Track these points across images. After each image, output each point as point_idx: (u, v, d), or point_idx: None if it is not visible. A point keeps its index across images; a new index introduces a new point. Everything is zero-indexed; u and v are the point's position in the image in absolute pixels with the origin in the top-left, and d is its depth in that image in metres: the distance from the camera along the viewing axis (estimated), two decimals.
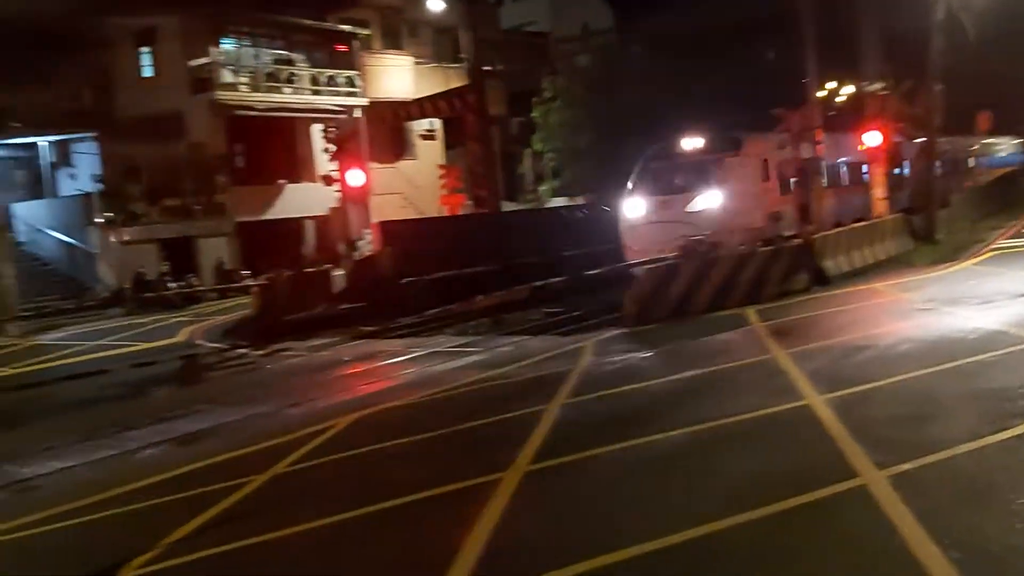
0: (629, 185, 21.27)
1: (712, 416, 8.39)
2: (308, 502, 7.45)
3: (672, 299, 15.25)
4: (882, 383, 8.98)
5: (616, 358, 12.35)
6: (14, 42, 25.79)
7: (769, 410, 8.40)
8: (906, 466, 6.34)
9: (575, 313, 17.47)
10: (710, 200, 19.80)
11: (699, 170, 20.48)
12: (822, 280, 17.15)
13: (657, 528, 5.72)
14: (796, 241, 17.61)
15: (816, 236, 17.87)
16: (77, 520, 7.56)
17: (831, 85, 36.07)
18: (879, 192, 22.98)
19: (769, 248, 16.93)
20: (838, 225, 20.43)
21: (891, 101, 23.14)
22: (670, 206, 20.12)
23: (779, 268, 16.50)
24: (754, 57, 35.84)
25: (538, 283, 19.90)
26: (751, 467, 6.88)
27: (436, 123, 37.94)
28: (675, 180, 20.94)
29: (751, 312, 14.79)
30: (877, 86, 23.02)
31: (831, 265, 17.74)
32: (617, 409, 9.46)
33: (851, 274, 18.07)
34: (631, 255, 19.78)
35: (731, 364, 10.91)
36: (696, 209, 19.72)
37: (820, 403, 8.39)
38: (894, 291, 15.65)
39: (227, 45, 32.31)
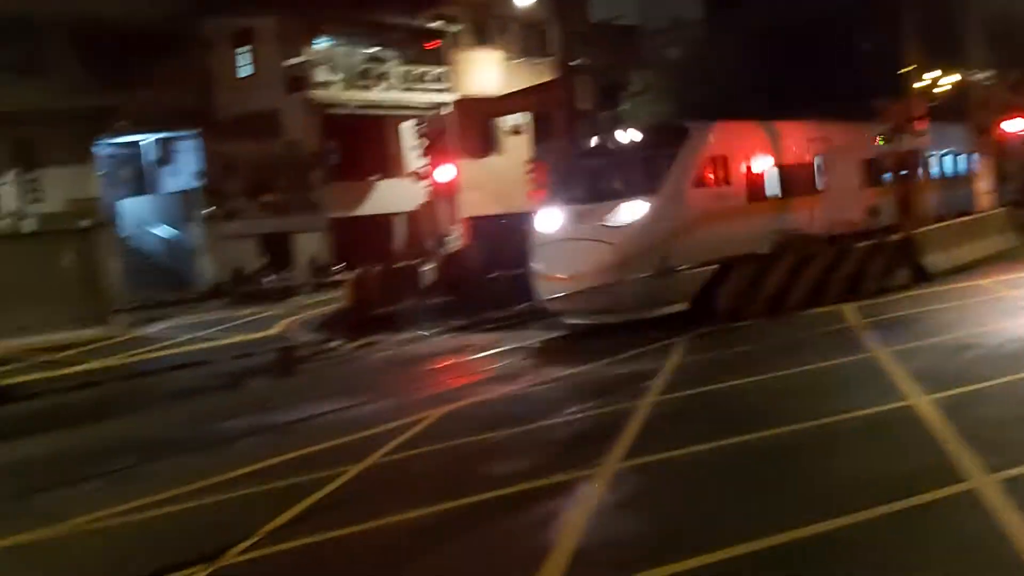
0: (548, 190, 17.67)
1: (811, 416, 8.19)
2: (401, 494, 7.54)
3: (766, 294, 14.95)
4: (989, 383, 8.65)
5: (708, 354, 12.16)
6: (120, 44, 26.87)
7: (872, 410, 8.16)
8: (1017, 470, 6.08)
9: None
10: (634, 211, 15.01)
11: (634, 170, 16.11)
12: (924, 276, 16.59)
13: (755, 529, 5.60)
14: (896, 236, 17.05)
15: (918, 231, 17.27)
16: (180, 507, 7.81)
17: (932, 75, 34.78)
18: (985, 185, 22.09)
19: (868, 243, 16.44)
20: (940, 220, 19.70)
21: (997, 91, 22.21)
22: (587, 218, 15.49)
23: (879, 264, 16.02)
24: (851, 47, 34.79)
25: None
26: (854, 468, 6.70)
27: (525, 118, 37.97)
28: (600, 183, 16.42)
29: (849, 309, 14.39)
30: (982, 76, 22.12)
31: (933, 261, 17.14)
32: (710, 407, 9.33)
33: (954, 270, 17.42)
34: (541, 286, 15.44)
35: (829, 362, 10.63)
36: (618, 223, 14.94)
37: (925, 403, 8.11)
38: (1000, 288, 15.02)
39: (321, 44, 32.96)
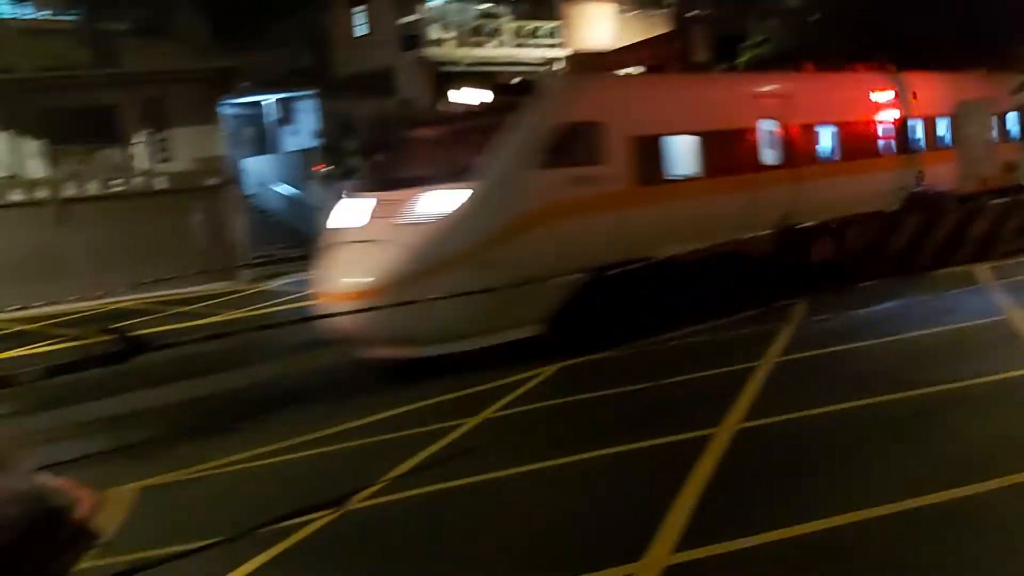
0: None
1: (942, 379, 7.92)
2: (519, 446, 7.67)
3: (892, 254, 14.40)
4: None
5: (831, 315, 11.84)
6: (244, 6, 27.61)
7: (1006, 375, 7.82)
8: None
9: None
10: (444, 201, 11.11)
11: (458, 146, 12.39)
12: None
13: (881, 494, 5.49)
14: None
15: None
16: (308, 452, 8.16)
17: None
18: None
19: (1003, 201, 15.62)
20: None
21: None
22: (382, 212, 11.53)
23: (1014, 223, 15.20)
24: None
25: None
26: (986, 435, 6.47)
27: (639, 72, 37.34)
28: (415, 164, 12.92)
29: (981, 269, 13.74)
30: None
31: None
32: (833, 369, 9.10)
33: None
34: (320, 305, 11.08)
35: (960, 325, 10.20)
36: (418, 218, 11.06)
37: None
38: None
39: (434, 2, 33.10)
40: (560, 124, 11.79)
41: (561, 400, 9.19)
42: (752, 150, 14.13)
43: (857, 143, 16.12)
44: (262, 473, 7.82)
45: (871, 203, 15.00)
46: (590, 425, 8.15)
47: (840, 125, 15.88)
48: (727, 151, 13.72)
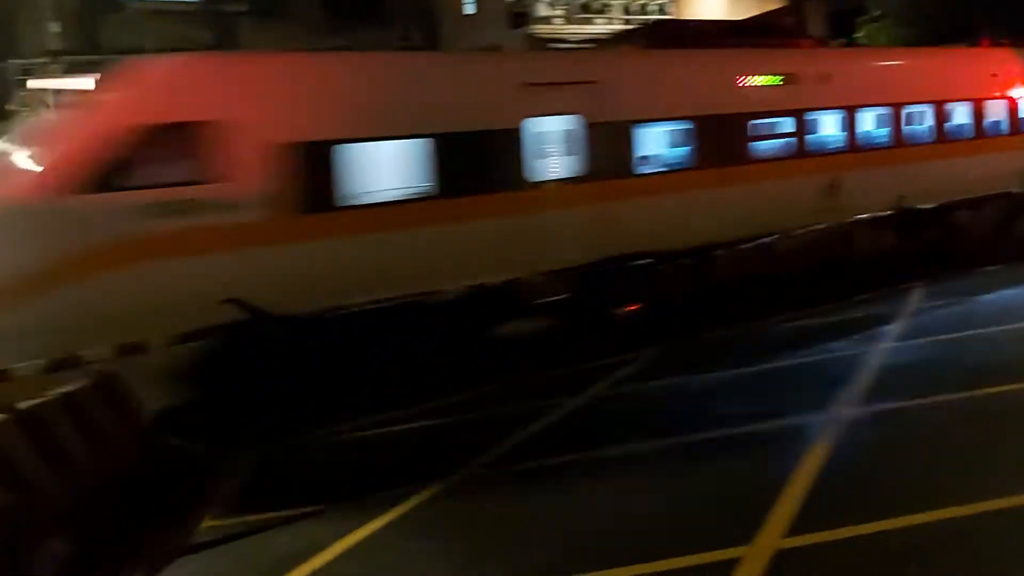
0: None
1: None
2: (621, 428, 7.68)
3: (1018, 238, 13.73)
4: None
5: (951, 300, 11.38)
6: None
7: None
8: None
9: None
10: None
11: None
12: None
13: (1002, 487, 5.27)
14: None
15: None
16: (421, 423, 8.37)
17: None
18: None
19: None
20: None
21: None
22: None
23: None
24: None
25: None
26: None
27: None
28: None
29: None
30: None
31: None
32: (951, 356, 8.76)
33: None
34: None
35: None
36: None
37: None
38: None
39: None
40: (132, 126, 8.34)
41: None
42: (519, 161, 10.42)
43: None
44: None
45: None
46: None
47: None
48: (480, 161, 10.21)
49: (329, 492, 6.73)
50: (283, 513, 6.38)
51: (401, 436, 8.16)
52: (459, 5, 33.41)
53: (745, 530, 5.11)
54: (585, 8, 33.09)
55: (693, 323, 10.65)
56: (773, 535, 5.06)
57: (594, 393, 8.74)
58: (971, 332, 9.54)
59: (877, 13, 34.82)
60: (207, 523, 6.44)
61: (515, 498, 6.27)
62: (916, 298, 11.77)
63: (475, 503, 6.26)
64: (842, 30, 34.98)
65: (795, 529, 5.11)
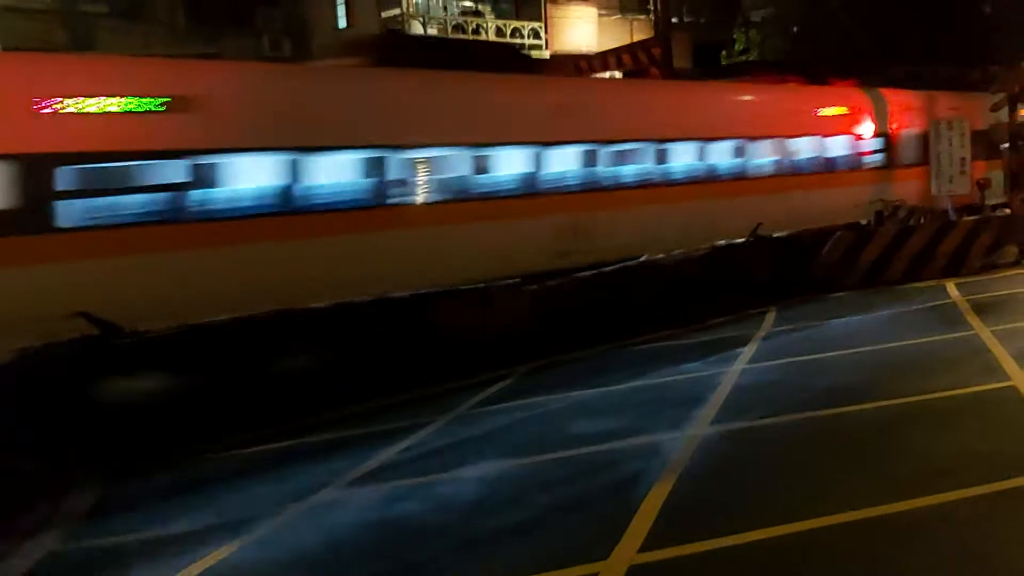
0: None
1: (906, 392, 7.99)
2: (481, 448, 7.65)
3: (864, 266, 14.52)
4: None
5: (802, 324, 11.90)
6: None
7: (972, 389, 7.91)
8: None
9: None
10: None
11: None
12: None
13: (853, 501, 5.54)
14: (1006, 211, 16.34)
15: None
16: None
17: None
18: None
19: (975, 217, 15.80)
20: None
21: None
22: None
23: (985, 239, 15.37)
24: (971, 9, 33.19)
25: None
26: (952, 447, 6.53)
27: (619, 77, 37.48)
28: None
29: (951, 285, 13.88)
30: None
31: None
32: (800, 378, 9.13)
33: None
34: None
35: (928, 339, 10.30)
36: None
37: None
38: None
39: None
40: None
41: None
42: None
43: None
44: None
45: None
46: None
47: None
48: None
49: (185, 512, 6.41)
50: (138, 535, 6.05)
51: (259, 456, 7.86)
52: (333, 18, 33.02)
53: (601, 545, 5.15)
54: (459, 29, 33.28)
55: (555, 344, 10.73)
56: (629, 550, 5.12)
57: (455, 414, 8.67)
58: (820, 355, 9.97)
59: (739, 48, 36.45)
60: (51, 548, 6.02)
61: (375, 518, 6.13)
62: (769, 322, 12.25)
63: (333, 521, 6.09)
64: (708, 63, 36.43)
65: (650, 544, 5.19)
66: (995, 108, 18.68)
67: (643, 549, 5.13)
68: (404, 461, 7.30)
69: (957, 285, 13.83)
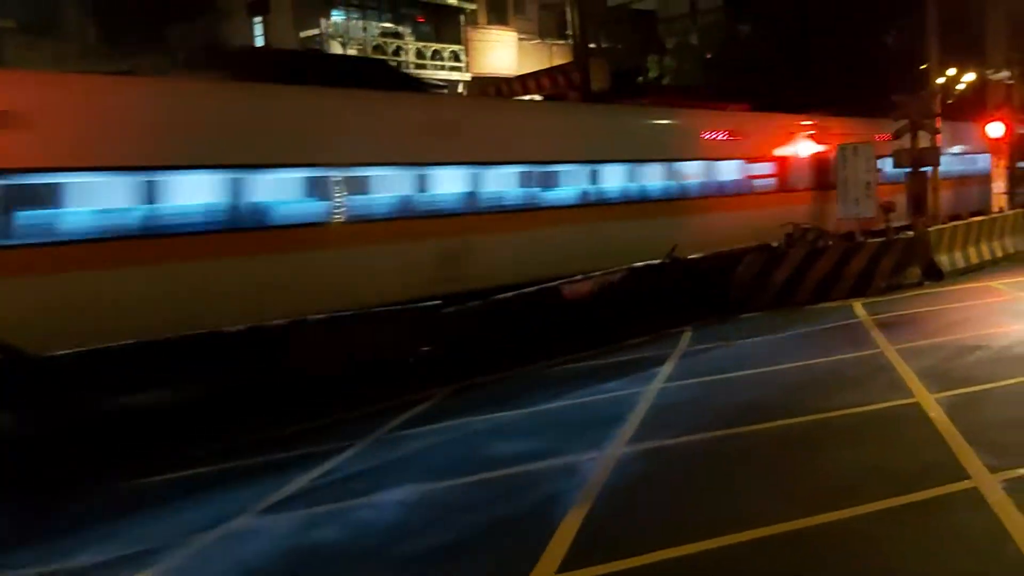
0: None
1: (815, 409, 8.22)
2: (400, 472, 7.60)
3: (775, 287, 14.93)
4: (996, 385, 8.66)
5: (716, 344, 12.16)
6: (137, 9, 26.77)
7: (878, 406, 8.18)
8: (1021, 471, 6.14)
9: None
10: None
11: None
12: (935, 275, 16.54)
13: (759, 518, 5.66)
14: (909, 234, 17.01)
15: (931, 229, 17.21)
16: None
17: (951, 72, 34.63)
18: (999, 186, 22.01)
19: (880, 240, 16.40)
20: (955, 219, 19.61)
21: (1017, 90, 22.08)
22: None
23: (890, 260, 15.98)
24: (871, 40, 34.59)
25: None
26: (858, 462, 6.73)
27: (538, 100, 37.88)
28: None
29: (858, 305, 14.37)
30: (1003, 74, 21.99)
31: (946, 260, 17.08)
32: (717, 397, 9.33)
33: (966, 270, 17.37)
34: None
35: (836, 357, 10.64)
36: None
37: (931, 402, 8.12)
38: (1011, 290, 14.97)
39: (337, 17, 32.86)
40: None
41: None
42: None
43: None
44: None
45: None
46: None
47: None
48: None
49: (91, 544, 6.20)
50: (39, 569, 5.83)
51: (171, 484, 7.66)
52: (250, 38, 32.62)
53: (521, 566, 5.17)
54: (379, 50, 33.23)
55: (476, 366, 10.74)
56: (548, 570, 5.15)
57: (374, 437, 8.60)
58: (733, 374, 10.21)
59: (654, 75, 37.23)
60: None
61: (290, 545, 6.03)
62: (685, 341, 12.49)
63: (247, 550, 5.96)
64: (624, 88, 37.09)
65: (568, 564, 5.22)
66: (897, 135, 19.44)
67: (561, 570, 5.16)
68: (322, 486, 7.19)
69: (864, 305, 14.32)
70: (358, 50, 32.56)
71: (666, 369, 10.63)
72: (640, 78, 37.34)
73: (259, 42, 32.63)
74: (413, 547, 5.76)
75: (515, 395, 9.89)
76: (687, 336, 12.79)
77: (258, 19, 32.63)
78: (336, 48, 32.00)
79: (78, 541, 6.32)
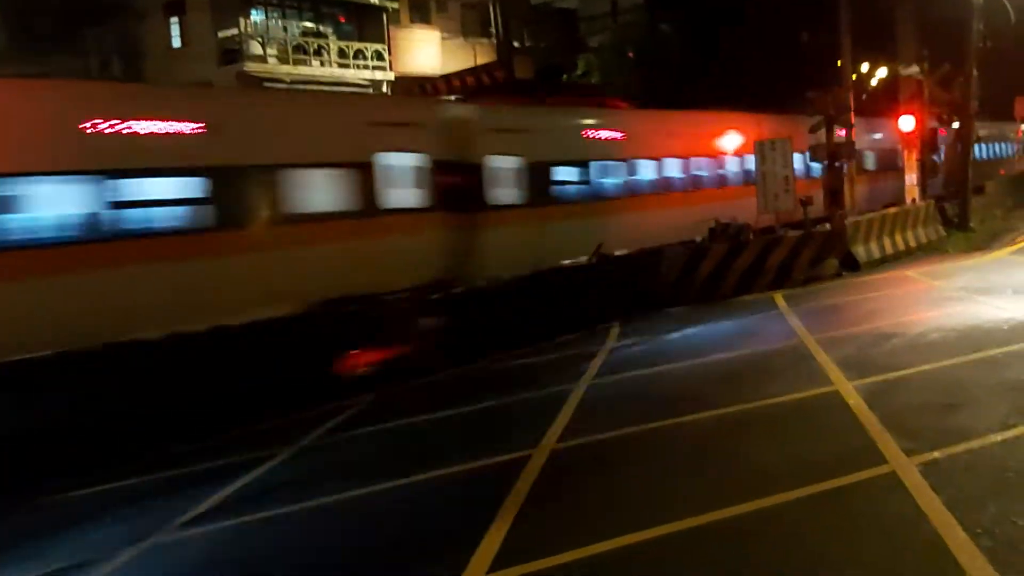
0: None
1: (739, 400, 8.37)
2: (334, 475, 7.54)
3: (700, 281, 15.20)
4: (912, 371, 8.90)
5: (643, 339, 12.33)
6: (46, 10, 25.96)
7: (798, 395, 8.37)
8: (936, 454, 6.31)
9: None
10: None
11: None
12: (852, 266, 17.02)
13: (677, 510, 5.77)
14: (826, 226, 17.46)
15: (847, 221, 17.70)
16: None
17: (865, 68, 35.64)
18: (912, 178, 22.73)
19: (798, 233, 16.82)
20: (870, 211, 20.20)
21: (927, 85, 22.83)
22: None
23: (808, 253, 16.39)
24: (788, 37, 35.40)
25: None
26: (781, 451, 6.88)
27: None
28: None
29: (779, 296, 14.71)
30: (913, 70, 22.70)
31: (862, 251, 17.59)
32: (644, 390, 9.47)
33: (882, 261, 17.91)
34: None
35: (758, 349, 10.87)
36: None
37: (849, 390, 8.34)
38: (925, 279, 15.48)
39: (256, 16, 32.33)
40: None
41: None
42: None
43: None
44: None
45: None
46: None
47: None
48: None
49: (11, 563, 6.01)
50: None
51: (95, 497, 7.48)
52: (167, 38, 31.89)
53: (453, 565, 5.18)
54: (300, 49, 32.81)
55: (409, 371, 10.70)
56: (479, 569, 5.16)
57: (308, 442, 8.52)
58: (659, 368, 10.37)
59: (580, 73, 37.53)
60: None
61: (219, 556, 5.94)
62: (613, 336, 12.63)
63: (174, 562, 5.86)
64: (551, 84, 37.26)
65: (500, 563, 5.24)
66: (813, 130, 19.92)
67: (492, 569, 5.19)
68: (250, 495, 7.10)
69: (784, 296, 14.67)
70: (279, 50, 32.11)
71: (595, 364, 10.74)
72: (565, 76, 37.60)
73: (177, 43, 31.92)
74: (342, 553, 5.72)
75: (446, 396, 9.91)
76: (615, 331, 12.95)
77: (175, 20, 31.90)
78: (256, 49, 31.50)
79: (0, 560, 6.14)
